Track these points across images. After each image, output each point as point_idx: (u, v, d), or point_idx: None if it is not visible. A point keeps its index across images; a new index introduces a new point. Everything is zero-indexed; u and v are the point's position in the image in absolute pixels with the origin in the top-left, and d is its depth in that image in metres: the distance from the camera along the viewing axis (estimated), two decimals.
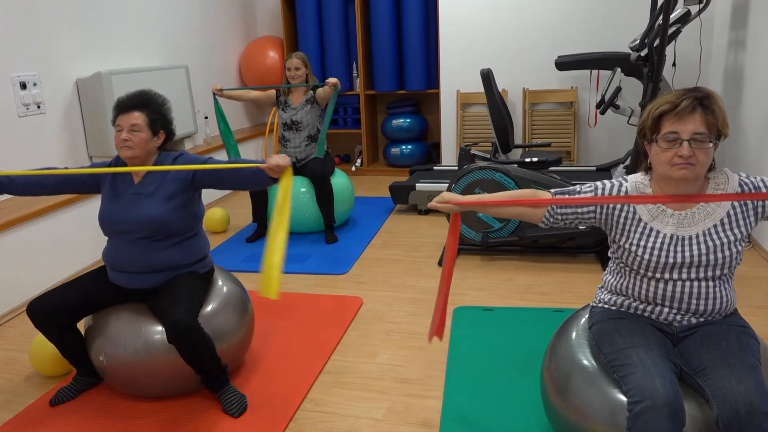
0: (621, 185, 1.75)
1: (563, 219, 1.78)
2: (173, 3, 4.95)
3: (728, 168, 1.90)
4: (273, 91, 4.20)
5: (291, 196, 2.06)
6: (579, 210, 1.76)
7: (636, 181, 1.74)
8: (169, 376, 2.21)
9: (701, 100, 1.58)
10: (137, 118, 2.20)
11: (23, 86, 3.47)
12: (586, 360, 1.75)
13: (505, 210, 1.82)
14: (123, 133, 2.19)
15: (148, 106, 2.24)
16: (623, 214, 1.71)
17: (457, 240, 1.86)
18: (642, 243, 1.67)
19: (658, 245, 1.65)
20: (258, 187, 2.20)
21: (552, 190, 1.80)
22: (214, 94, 3.96)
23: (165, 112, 2.29)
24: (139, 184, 2.24)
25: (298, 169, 4.15)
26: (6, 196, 3.40)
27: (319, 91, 4.05)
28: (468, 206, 1.80)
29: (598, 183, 1.78)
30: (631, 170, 3.36)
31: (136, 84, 3.91)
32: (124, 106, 2.22)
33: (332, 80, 3.85)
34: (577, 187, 1.79)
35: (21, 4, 3.45)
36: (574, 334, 1.87)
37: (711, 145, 1.58)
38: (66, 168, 2.24)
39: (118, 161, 2.32)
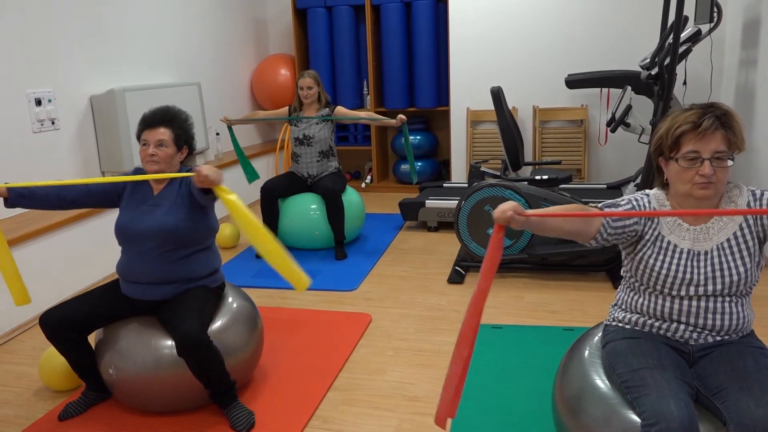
0: (645, 198, 1.72)
1: (614, 235, 1.70)
2: (186, 21, 5.01)
3: None
4: (285, 108, 4.24)
5: (245, 208, 1.96)
6: (627, 223, 1.68)
7: (656, 195, 1.73)
8: (178, 390, 2.20)
9: (721, 118, 1.57)
10: (163, 133, 2.25)
11: (38, 102, 3.52)
12: (599, 380, 1.72)
13: (559, 227, 1.66)
14: (150, 148, 2.24)
15: (172, 122, 2.29)
16: (651, 229, 1.69)
17: (496, 264, 1.53)
18: (660, 258, 1.65)
19: (675, 261, 1.64)
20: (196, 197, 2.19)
21: (599, 205, 1.73)
22: (227, 124, 4.13)
23: (188, 128, 2.35)
24: (158, 196, 2.29)
25: (310, 185, 4.17)
26: (19, 210, 3.44)
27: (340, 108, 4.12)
28: (530, 221, 1.59)
29: (629, 197, 1.73)
30: (641, 188, 3.34)
31: (149, 100, 3.96)
32: (150, 121, 2.27)
33: (402, 117, 3.89)
34: (615, 202, 1.75)
35: (36, 22, 3.51)
36: (586, 353, 1.84)
37: (731, 162, 1.57)
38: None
39: (137, 173, 2.36)
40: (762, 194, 1.64)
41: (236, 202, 1.95)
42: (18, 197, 2.17)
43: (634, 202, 1.72)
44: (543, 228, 1.64)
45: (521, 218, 1.54)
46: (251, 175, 4.15)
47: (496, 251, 1.52)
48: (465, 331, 1.53)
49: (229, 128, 4.13)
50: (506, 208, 1.53)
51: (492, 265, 1.51)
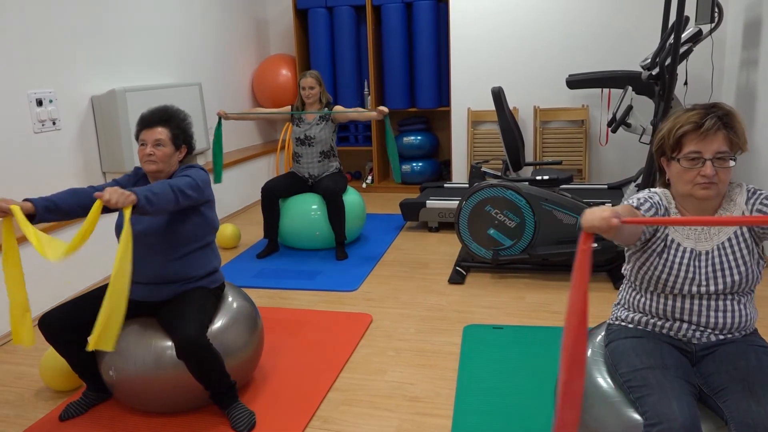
0: (657, 197, 1.70)
1: (649, 233, 1.67)
2: (187, 21, 5.01)
3: None
4: (288, 107, 4.24)
5: (131, 242, 1.89)
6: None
7: (664, 193, 1.72)
8: (178, 391, 2.20)
9: (723, 118, 1.57)
10: (161, 133, 2.25)
11: (39, 103, 3.52)
12: (602, 379, 1.72)
13: (626, 231, 1.55)
14: (147, 148, 2.24)
15: (170, 121, 2.29)
16: (662, 226, 1.68)
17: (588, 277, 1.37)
18: (664, 256, 1.65)
19: (677, 260, 1.63)
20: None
21: (633, 203, 1.68)
22: (220, 117, 4.06)
23: (186, 127, 2.35)
24: None
25: (311, 186, 4.18)
26: None
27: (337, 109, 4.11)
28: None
29: (645, 196, 1.70)
30: (642, 188, 3.34)
31: (150, 101, 3.96)
32: (148, 121, 2.27)
33: (383, 109, 3.85)
34: (636, 202, 1.71)
35: (37, 22, 3.51)
36: (589, 352, 1.84)
37: (732, 163, 1.57)
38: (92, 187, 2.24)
39: (137, 174, 2.36)
40: (755, 192, 1.64)
41: (128, 230, 1.87)
42: (44, 212, 2.09)
43: (651, 200, 1.69)
44: (616, 233, 1.49)
45: (620, 224, 1.38)
46: (218, 176, 4.07)
47: (588, 264, 1.34)
48: (573, 361, 1.36)
49: (219, 123, 4.06)
50: (608, 215, 1.35)
51: (584, 281, 1.34)
